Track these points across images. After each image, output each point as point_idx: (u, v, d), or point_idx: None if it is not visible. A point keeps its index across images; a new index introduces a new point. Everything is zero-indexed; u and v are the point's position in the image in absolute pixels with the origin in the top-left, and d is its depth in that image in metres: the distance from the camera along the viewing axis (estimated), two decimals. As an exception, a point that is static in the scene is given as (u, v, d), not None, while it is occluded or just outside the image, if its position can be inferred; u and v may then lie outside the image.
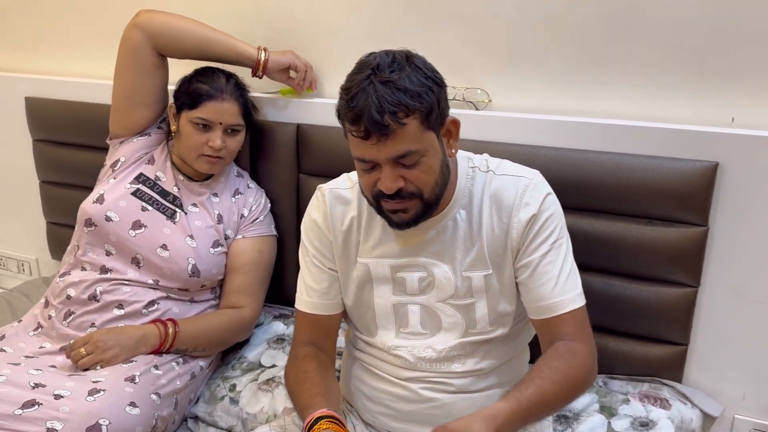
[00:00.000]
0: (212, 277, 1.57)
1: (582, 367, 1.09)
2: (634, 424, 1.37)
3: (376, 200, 1.10)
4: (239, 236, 1.62)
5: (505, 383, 1.21)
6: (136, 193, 1.57)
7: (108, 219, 1.53)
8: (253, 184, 1.70)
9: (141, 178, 1.60)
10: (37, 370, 1.35)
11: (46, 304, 1.58)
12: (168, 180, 1.61)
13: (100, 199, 1.56)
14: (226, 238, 1.61)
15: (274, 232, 1.69)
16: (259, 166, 1.75)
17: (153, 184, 1.59)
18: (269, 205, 1.70)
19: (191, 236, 1.55)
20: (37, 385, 1.28)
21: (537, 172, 1.18)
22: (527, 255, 1.13)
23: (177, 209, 1.57)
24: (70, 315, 1.50)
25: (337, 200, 1.22)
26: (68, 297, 1.52)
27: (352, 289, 1.23)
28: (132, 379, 1.36)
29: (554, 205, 1.15)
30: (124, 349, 1.41)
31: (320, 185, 1.27)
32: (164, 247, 1.52)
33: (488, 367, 1.19)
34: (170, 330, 1.47)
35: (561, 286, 1.11)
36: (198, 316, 1.56)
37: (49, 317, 1.53)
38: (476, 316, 1.16)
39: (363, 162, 1.05)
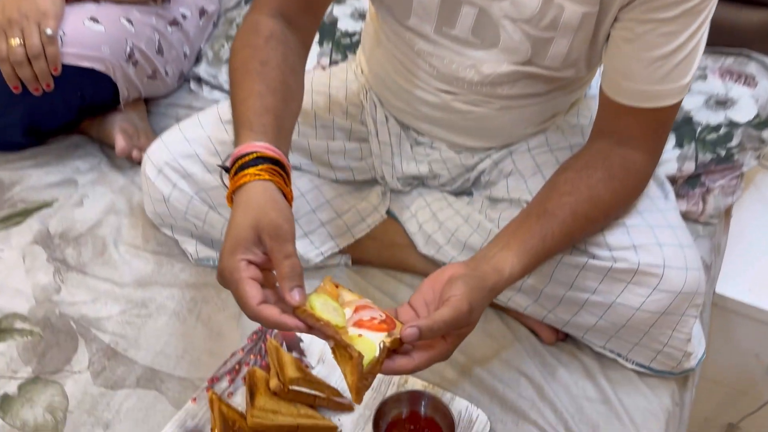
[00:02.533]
0: None
1: (633, 192, 0.84)
2: (708, 103, 1.15)
3: None
4: None
5: (562, 106, 0.98)
6: None
7: None
8: None
9: None
10: None
11: None
12: None
13: None
14: None
15: None
16: None
17: None
18: None
19: None
20: None
21: None
22: (645, 11, 0.74)
23: None
24: None
25: None
26: None
27: None
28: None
29: None
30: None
31: None
32: None
33: (543, 92, 0.91)
34: None
35: (664, 72, 0.76)
36: None
37: None
38: (548, 53, 0.83)
39: None
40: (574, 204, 0.77)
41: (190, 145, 0.98)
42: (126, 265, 1.04)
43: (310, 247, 1.03)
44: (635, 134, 0.81)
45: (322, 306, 0.63)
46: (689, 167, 1.12)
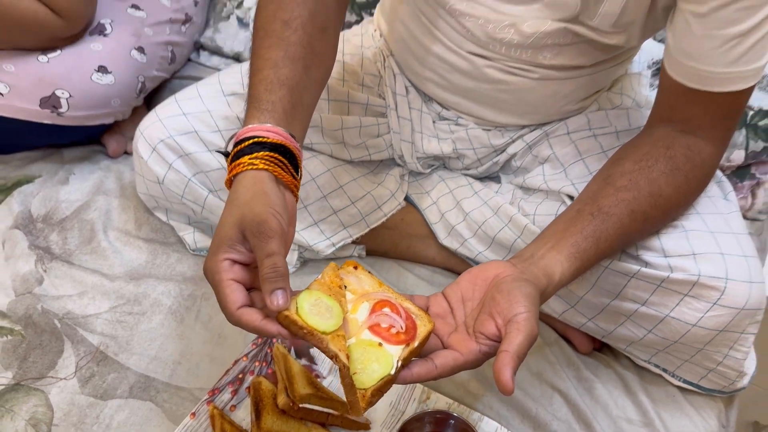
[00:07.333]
0: None
1: (697, 187, 0.74)
2: (761, 84, 1.04)
3: None
4: None
5: (605, 81, 0.88)
6: None
7: None
8: None
9: None
10: None
11: None
12: None
13: None
14: None
15: None
16: None
17: None
18: None
19: None
20: None
21: None
22: None
23: None
24: None
25: None
26: None
27: None
28: (101, 31, 1.02)
29: None
30: None
31: None
32: None
33: (587, 63, 0.81)
34: None
35: (738, 52, 0.65)
36: None
37: None
38: (600, 10, 0.72)
39: None
40: (633, 201, 0.68)
41: (187, 120, 0.87)
42: (116, 254, 0.94)
43: (321, 237, 0.93)
44: (702, 122, 0.71)
45: (311, 308, 0.56)
46: (738, 156, 1.02)
